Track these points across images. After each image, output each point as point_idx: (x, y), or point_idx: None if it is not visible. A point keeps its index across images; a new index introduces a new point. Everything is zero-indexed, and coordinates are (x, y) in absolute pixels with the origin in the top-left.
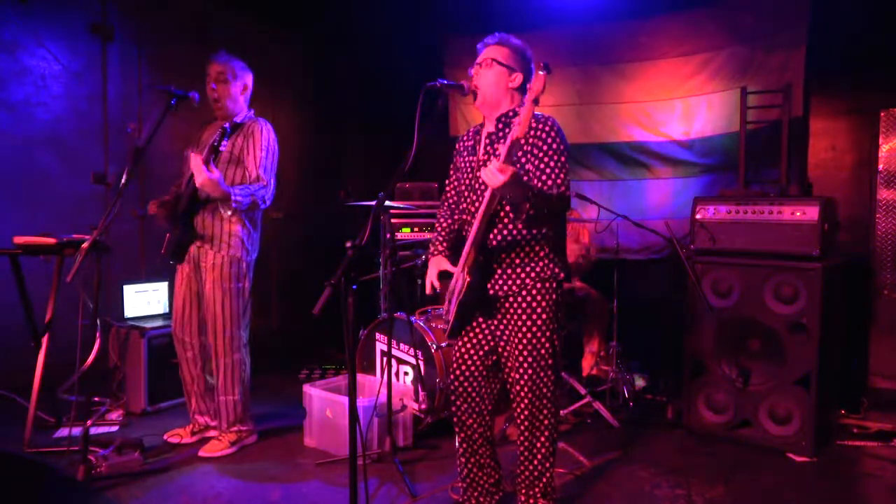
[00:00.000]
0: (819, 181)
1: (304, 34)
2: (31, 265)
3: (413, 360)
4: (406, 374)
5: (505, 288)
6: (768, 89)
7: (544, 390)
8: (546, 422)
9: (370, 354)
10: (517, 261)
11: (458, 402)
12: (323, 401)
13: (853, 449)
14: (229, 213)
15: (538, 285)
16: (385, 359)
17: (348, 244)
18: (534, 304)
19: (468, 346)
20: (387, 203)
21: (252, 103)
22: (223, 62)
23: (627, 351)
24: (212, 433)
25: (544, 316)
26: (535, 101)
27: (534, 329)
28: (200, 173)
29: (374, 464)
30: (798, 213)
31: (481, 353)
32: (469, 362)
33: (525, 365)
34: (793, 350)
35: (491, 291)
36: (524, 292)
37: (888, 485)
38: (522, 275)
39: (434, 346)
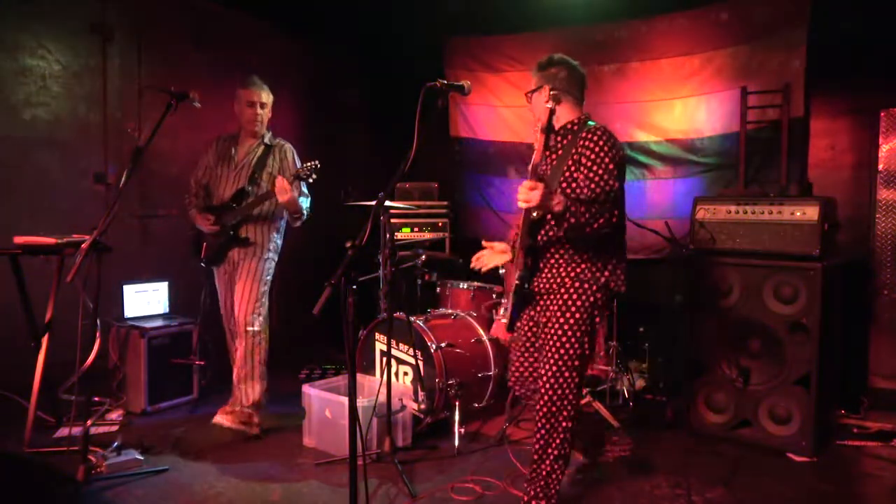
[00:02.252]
0: (819, 181)
1: (303, 34)
2: (31, 265)
3: (412, 360)
4: (406, 374)
5: (546, 285)
6: (768, 89)
7: (566, 391)
8: (564, 424)
9: (370, 354)
10: (561, 262)
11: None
12: (322, 401)
13: (853, 449)
14: (298, 223)
15: (576, 285)
16: (385, 359)
17: (348, 244)
18: (569, 303)
19: (521, 349)
20: (387, 203)
21: None
22: (263, 88)
23: (627, 351)
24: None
25: (577, 315)
26: (544, 131)
27: (565, 327)
28: (287, 192)
29: (373, 464)
30: (798, 213)
31: (533, 352)
32: (524, 366)
33: (551, 362)
34: (793, 350)
35: (535, 287)
36: (562, 290)
37: (888, 485)
38: (563, 273)
39: (433, 347)
